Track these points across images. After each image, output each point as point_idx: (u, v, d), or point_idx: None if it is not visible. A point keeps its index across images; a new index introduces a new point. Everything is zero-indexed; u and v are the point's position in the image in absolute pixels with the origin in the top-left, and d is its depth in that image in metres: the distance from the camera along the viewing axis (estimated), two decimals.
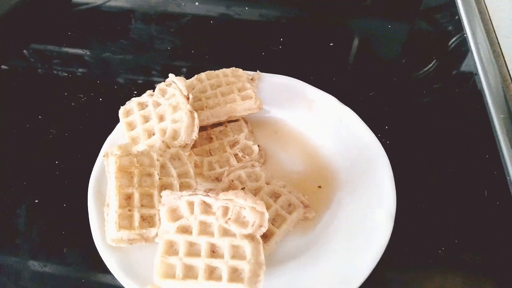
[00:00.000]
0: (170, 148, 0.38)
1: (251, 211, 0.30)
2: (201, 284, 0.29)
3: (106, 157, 0.36)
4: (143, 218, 0.34)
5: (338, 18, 0.64)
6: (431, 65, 0.56)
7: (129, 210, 0.34)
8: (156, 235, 0.33)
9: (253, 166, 0.39)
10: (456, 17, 0.64)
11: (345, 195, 0.38)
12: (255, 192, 0.37)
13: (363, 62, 0.57)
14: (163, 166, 0.36)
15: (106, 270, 0.34)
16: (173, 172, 0.37)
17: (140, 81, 0.54)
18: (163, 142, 0.38)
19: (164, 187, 0.36)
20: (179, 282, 0.30)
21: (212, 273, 0.30)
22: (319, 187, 0.39)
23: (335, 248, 0.35)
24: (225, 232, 0.31)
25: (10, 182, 0.43)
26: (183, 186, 0.36)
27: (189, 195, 0.32)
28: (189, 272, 0.30)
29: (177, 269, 0.30)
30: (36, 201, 0.41)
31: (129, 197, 0.34)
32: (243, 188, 0.36)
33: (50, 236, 0.39)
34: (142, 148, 0.37)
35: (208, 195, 0.31)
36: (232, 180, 0.37)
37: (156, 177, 0.35)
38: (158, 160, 0.36)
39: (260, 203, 0.31)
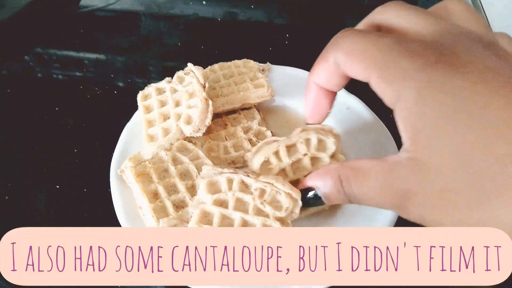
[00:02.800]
0: (183, 134, 0.40)
1: (286, 197, 0.32)
2: None
3: (123, 173, 0.38)
4: (174, 205, 0.36)
5: (338, 15, 0.67)
6: None
7: (160, 202, 0.36)
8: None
9: (329, 133, 0.36)
10: None
11: None
12: (313, 163, 0.35)
13: None
14: (174, 158, 0.39)
15: None
16: (185, 159, 0.39)
17: (151, 76, 0.56)
18: (177, 126, 0.40)
19: (182, 174, 0.38)
20: None
21: None
22: None
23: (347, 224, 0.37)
24: (259, 212, 0.33)
25: (31, 169, 0.44)
26: (199, 167, 0.38)
27: (230, 172, 0.34)
28: None
29: None
30: (57, 186, 0.43)
31: (155, 193, 0.36)
32: (305, 155, 0.35)
33: (72, 218, 0.40)
34: (152, 148, 0.40)
35: (248, 175, 0.33)
36: (301, 142, 0.35)
37: (172, 168, 0.38)
38: (167, 155, 0.39)
39: (296, 191, 0.32)
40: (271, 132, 0.43)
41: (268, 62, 0.49)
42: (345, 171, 0.26)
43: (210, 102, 0.40)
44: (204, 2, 0.67)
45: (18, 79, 0.56)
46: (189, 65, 0.42)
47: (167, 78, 0.43)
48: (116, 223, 0.36)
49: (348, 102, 0.46)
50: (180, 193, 0.36)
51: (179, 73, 0.43)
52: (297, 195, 0.32)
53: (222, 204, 0.33)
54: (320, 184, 0.28)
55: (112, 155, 0.41)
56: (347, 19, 0.67)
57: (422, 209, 0.22)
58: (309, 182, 0.29)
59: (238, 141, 0.42)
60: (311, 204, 0.30)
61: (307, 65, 0.50)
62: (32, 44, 0.61)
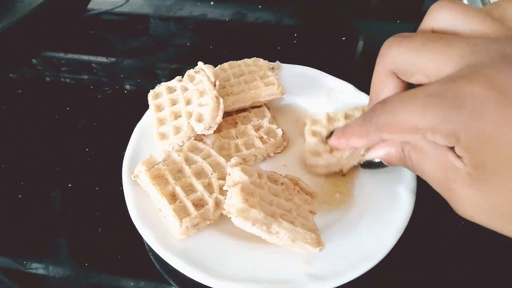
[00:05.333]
0: (195, 132, 0.41)
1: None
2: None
3: (137, 177, 0.38)
4: (194, 204, 0.36)
5: (345, 16, 0.67)
6: None
7: (180, 202, 0.36)
8: (213, 210, 0.35)
9: None
10: None
11: (367, 175, 0.40)
12: None
13: (370, 56, 0.60)
14: (186, 158, 0.39)
15: (141, 245, 0.36)
16: (198, 158, 0.39)
17: (162, 76, 0.56)
18: (188, 124, 0.40)
19: (197, 173, 0.38)
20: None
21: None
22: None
23: (360, 224, 0.37)
24: (290, 199, 0.34)
25: (43, 168, 0.45)
26: (213, 165, 0.39)
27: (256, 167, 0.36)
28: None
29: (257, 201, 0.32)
30: (70, 185, 0.43)
31: (173, 194, 0.36)
32: None
33: (85, 217, 0.40)
34: (164, 146, 0.40)
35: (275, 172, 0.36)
36: None
37: (186, 168, 0.38)
38: (179, 156, 0.39)
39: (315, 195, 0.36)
40: (282, 130, 0.43)
41: (277, 61, 0.49)
42: (408, 147, 0.28)
43: (221, 100, 0.40)
44: (212, 3, 0.67)
45: (27, 82, 0.56)
46: (200, 63, 0.43)
47: (178, 77, 0.44)
48: (128, 222, 0.36)
49: (358, 100, 0.46)
50: (198, 191, 0.36)
51: (190, 72, 0.43)
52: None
53: (258, 186, 0.33)
54: (383, 156, 0.31)
55: (123, 153, 0.41)
56: (354, 20, 0.67)
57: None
58: (373, 154, 0.32)
59: (249, 139, 0.42)
60: (375, 167, 0.37)
61: (316, 64, 0.50)
62: (40, 48, 0.61)
